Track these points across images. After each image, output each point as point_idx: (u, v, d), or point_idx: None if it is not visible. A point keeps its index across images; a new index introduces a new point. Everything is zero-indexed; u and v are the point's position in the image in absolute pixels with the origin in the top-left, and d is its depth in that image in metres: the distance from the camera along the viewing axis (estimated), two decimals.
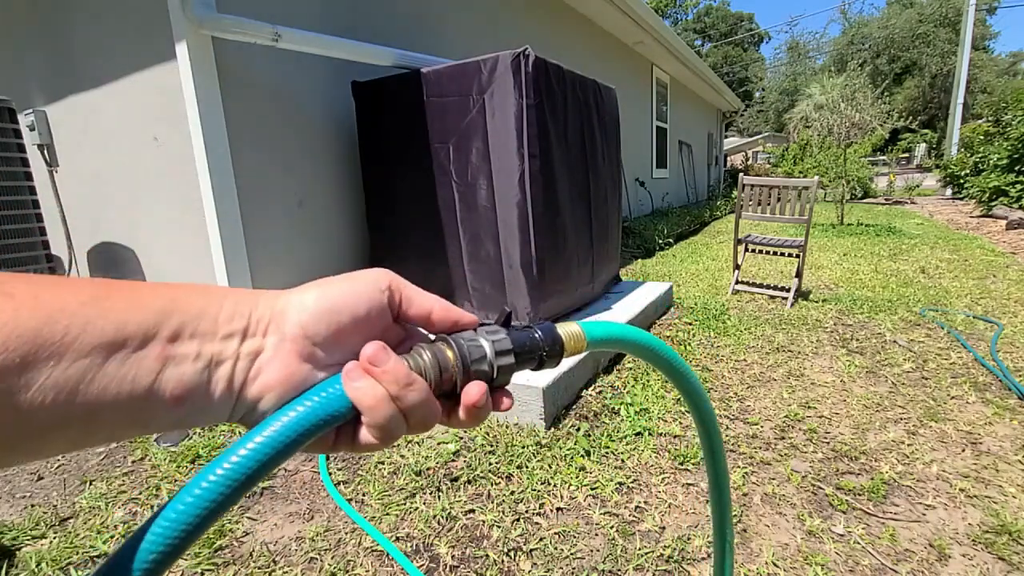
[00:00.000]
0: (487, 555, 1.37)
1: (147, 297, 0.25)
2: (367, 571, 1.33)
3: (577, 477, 1.70)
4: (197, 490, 0.24)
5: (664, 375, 0.43)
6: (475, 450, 1.86)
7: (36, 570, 1.34)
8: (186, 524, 0.23)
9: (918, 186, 13.32)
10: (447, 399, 0.31)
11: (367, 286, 0.31)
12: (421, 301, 0.33)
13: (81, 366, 0.22)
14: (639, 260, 5.70)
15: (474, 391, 0.30)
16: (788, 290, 3.75)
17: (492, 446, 1.88)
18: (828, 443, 1.89)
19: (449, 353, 0.30)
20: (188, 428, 0.30)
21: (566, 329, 0.35)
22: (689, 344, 2.94)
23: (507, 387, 0.33)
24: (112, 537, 1.47)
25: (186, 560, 1.37)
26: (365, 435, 0.29)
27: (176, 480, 1.74)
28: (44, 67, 2.97)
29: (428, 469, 1.76)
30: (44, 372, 0.21)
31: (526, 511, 1.54)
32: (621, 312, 2.98)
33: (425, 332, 0.34)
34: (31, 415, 0.21)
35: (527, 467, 1.75)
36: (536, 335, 0.34)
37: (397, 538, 1.44)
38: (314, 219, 2.96)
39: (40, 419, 0.22)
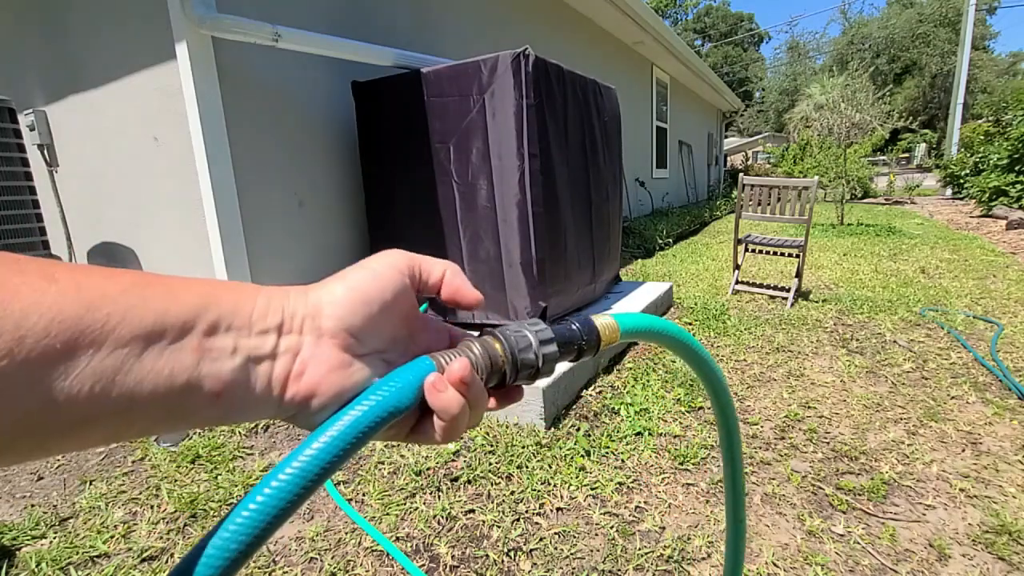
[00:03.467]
0: (487, 555, 1.37)
1: (182, 290, 0.25)
2: (367, 571, 1.33)
3: (577, 477, 1.70)
4: (282, 476, 0.24)
5: (689, 367, 0.44)
6: (475, 450, 1.86)
7: (36, 570, 1.34)
8: (269, 514, 0.23)
9: (918, 186, 13.32)
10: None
11: (389, 271, 0.31)
12: (435, 269, 0.34)
13: (119, 356, 0.22)
14: (639, 260, 5.69)
15: (517, 393, 0.34)
16: (788, 290, 3.75)
17: (492, 446, 1.88)
18: (828, 443, 1.89)
19: (497, 346, 0.32)
20: (230, 424, 0.29)
21: (601, 320, 0.36)
22: None
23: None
24: (112, 537, 1.47)
25: None
26: (430, 431, 0.31)
27: (176, 480, 1.74)
28: (44, 67, 2.97)
29: (428, 469, 1.76)
30: (83, 361, 0.21)
31: (526, 511, 1.54)
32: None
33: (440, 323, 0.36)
34: (67, 407, 0.21)
35: (527, 467, 1.75)
36: (574, 327, 0.35)
37: (397, 538, 1.44)
38: (314, 219, 2.96)
39: (75, 411, 0.21)
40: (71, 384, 0.21)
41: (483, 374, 0.31)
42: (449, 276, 0.34)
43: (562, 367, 2.14)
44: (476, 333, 0.35)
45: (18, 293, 0.20)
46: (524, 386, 0.34)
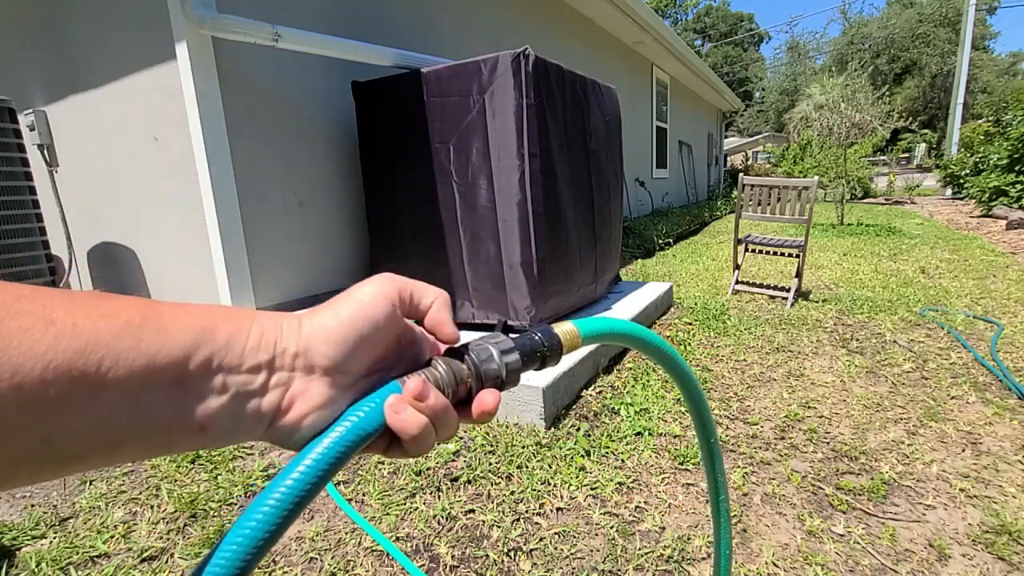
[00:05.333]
0: (487, 555, 1.37)
1: (178, 325, 0.26)
2: (367, 571, 1.33)
3: (577, 477, 1.70)
4: (262, 509, 0.25)
5: (655, 362, 0.46)
6: (475, 450, 1.86)
7: (36, 570, 1.34)
8: (255, 544, 0.25)
9: (918, 186, 13.33)
10: (461, 404, 0.34)
11: (379, 300, 0.32)
12: (425, 298, 0.35)
13: (112, 398, 0.23)
14: (639, 260, 5.69)
15: (489, 399, 0.33)
16: (788, 290, 3.75)
17: (492, 446, 1.88)
18: (828, 443, 1.89)
19: (461, 362, 0.33)
20: (212, 448, 0.30)
21: (562, 328, 0.38)
22: (689, 344, 2.94)
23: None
24: (112, 537, 1.47)
25: (186, 560, 1.37)
26: (401, 448, 0.32)
27: (176, 480, 1.75)
28: (44, 67, 2.97)
29: (428, 469, 1.76)
30: (77, 404, 0.22)
31: (526, 511, 1.54)
32: (622, 312, 2.98)
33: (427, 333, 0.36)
34: (61, 444, 0.22)
35: (527, 467, 1.75)
36: (536, 336, 0.36)
37: (397, 538, 1.44)
38: (314, 219, 2.96)
39: (69, 448, 0.22)
40: (65, 425, 0.22)
41: (448, 389, 0.32)
42: (435, 309, 0.34)
43: (562, 366, 2.14)
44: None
45: (15, 338, 0.21)
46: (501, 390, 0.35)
